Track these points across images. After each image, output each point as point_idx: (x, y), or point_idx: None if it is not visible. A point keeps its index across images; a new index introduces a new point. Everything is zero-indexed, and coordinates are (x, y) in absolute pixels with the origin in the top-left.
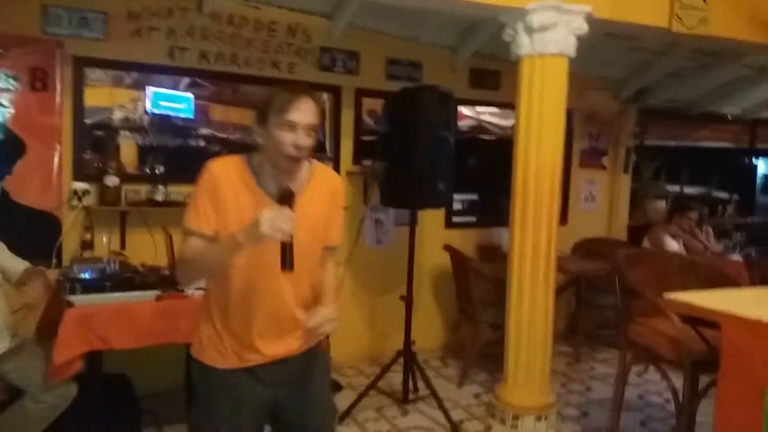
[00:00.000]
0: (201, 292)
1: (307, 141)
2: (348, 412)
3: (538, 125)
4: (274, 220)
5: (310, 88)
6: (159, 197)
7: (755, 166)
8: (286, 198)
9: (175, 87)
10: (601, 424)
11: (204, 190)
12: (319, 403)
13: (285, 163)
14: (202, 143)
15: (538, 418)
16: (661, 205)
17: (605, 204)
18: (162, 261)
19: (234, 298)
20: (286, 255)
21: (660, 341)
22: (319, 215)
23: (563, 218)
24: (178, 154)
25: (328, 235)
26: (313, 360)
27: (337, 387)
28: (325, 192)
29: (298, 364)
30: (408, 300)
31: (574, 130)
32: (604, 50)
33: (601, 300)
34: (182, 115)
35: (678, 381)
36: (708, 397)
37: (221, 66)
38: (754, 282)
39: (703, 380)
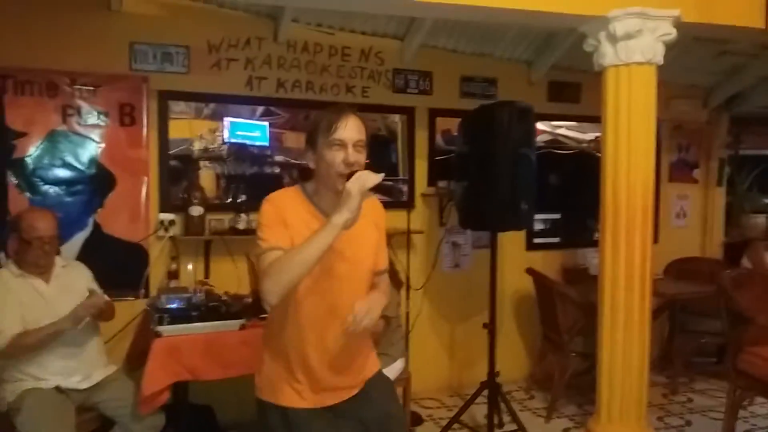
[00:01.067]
0: None
1: (357, 157)
2: None
3: (627, 138)
4: (360, 178)
5: (354, 106)
6: (241, 225)
7: None
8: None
9: (250, 116)
10: None
11: (271, 214)
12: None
13: (339, 181)
14: (277, 170)
15: None
16: (761, 219)
17: (698, 220)
18: (245, 289)
19: (304, 328)
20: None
21: None
22: (370, 241)
23: (654, 237)
24: (254, 182)
25: (377, 260)
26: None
27: (417, 420)
28: (371, 218)
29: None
30: (491, 328)
31: (662, 142)
32: (690, 56)
33: (697, 325)
34: (258, 143)
35: None
36: None
37: (298, 93)
38: None
39: None
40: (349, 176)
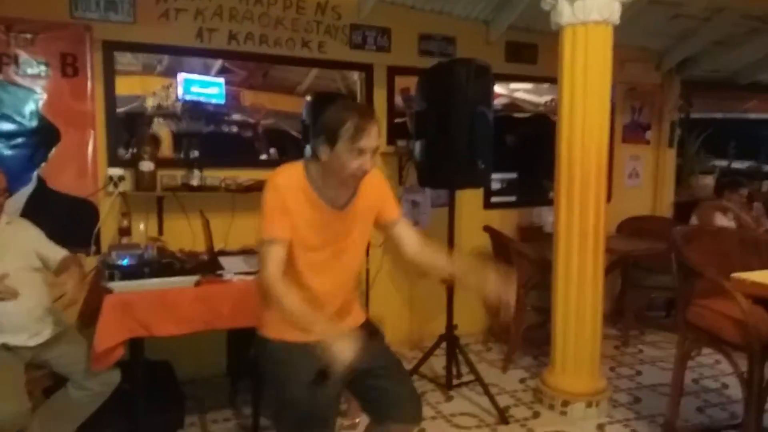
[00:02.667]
0: (240, 278)
1: (372, 164)
2: None
3: (583, 98)
4: (345, 349)
5: (374, 110)
6: (194, 182)
7: None
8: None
9: (206, 73)
10: (656, 410)
11: (274, 202)
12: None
13: (350, 181)
14: (234, 129)
15: (589, 405)
16: (709, 180)
17: (650, 180)
18: (200, 246)
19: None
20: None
21: (724, 324)
22: (370, 205)
23: (607, 196)
24: (211, 140)
25: (389, 212)
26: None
27: None
28: (370, 186)
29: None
30: (449, 283)
31: (616, 104)
32: (645, 19)
33: (648, 280)
34: (214, 101)
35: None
36: None
37: (251, 47)
38: None
39: None
40: (360, 179)
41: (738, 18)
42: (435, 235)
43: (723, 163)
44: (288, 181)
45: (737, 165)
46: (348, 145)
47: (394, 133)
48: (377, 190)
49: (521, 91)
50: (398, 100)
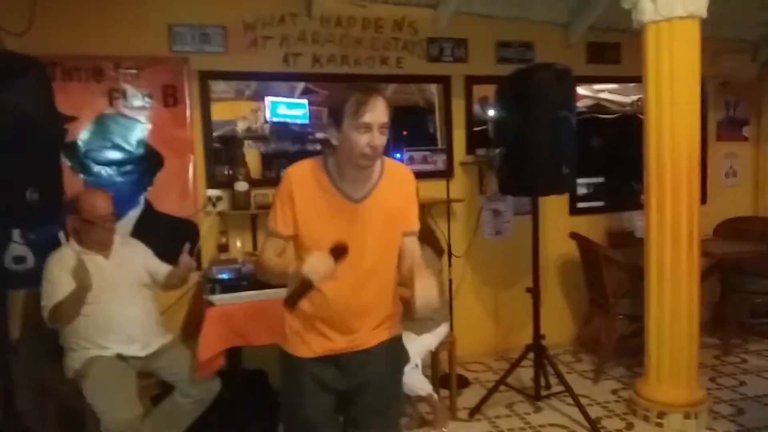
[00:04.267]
0: None
1: (381, 140)
2: (478, 408)
3: (670, 97)
4: (314, 263)
5: (379, 87)
6: None
7: None
8: (338, 251)
9: (290, 95)
10: (762, 422)
11: (283, 196)
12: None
13: (362, 161)
14: (317, 147)
15: (687, 416)
16: None
17: (749, 179)
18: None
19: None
20: (297, 294)
21: None
22: (392, 206)
23: (702, 197)
24: (297, 159)
25: (406, 222)
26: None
27: (464, 382)
28: (395, 184)
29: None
30: (535, 292)
31: (708, 99)
32: (736, 8)
33: (751, 285)
34: (299, 122)
35: None
36: None
37: (333, 68)
38: None
39: None
40: (372, 158)
41: None
42: (519, 243)
43: None
44: (299, 170)
45: None
46: (352, 121)
47: (474, 142)
48: (403, 189)
49: (606, 91)
50: (477, 109)
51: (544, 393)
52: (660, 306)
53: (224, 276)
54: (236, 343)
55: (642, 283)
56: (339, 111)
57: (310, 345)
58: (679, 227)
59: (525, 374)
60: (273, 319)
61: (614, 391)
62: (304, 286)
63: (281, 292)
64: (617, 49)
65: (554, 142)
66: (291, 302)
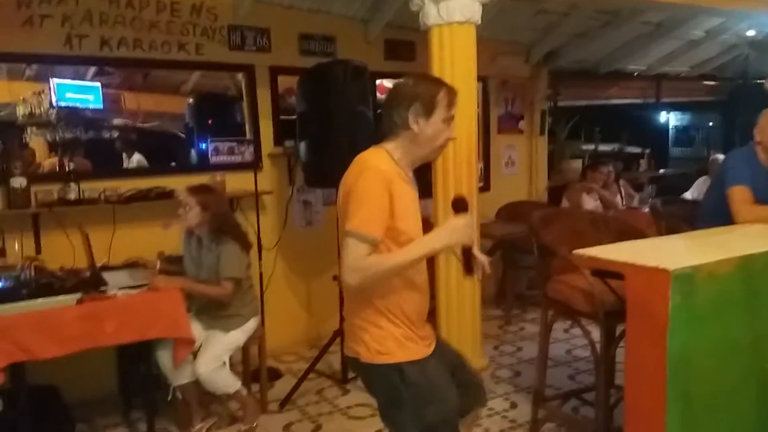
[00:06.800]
0: (125, 292)
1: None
2: (288, 398)
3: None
4: (456, 227)
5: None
6: (72, 196)
7: (666, 120)
8: (459, 205)
9: (81, 77)
10: (534, 381)
11: (381, 194)
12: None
13: (438, 153)
14: (115, 134)
15: None
16: (577, 164)
17: (525, 167)
18: (81, 263)
19: (415, 290)
20: (467, 260)
21: (576, 296)
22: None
23: (486, 185)
24: (90, 149)
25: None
26: None
27: (275, 374)
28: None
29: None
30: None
31: (490, 96)
32: (511, 15)
33: (526, 261)
34: (91, 107)
35: (596, 332)
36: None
37: (124, 52)
38: (660, 232)
39: (619, 329)
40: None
41: (592, 12)
42: (329, 233)
43: (590, 147)
44: (385, 166)
45: (604, 148)
46: (444, 113)
47: (284, 133)
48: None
49: None
50: (288, 99)
51: (351, 375)
52: (447, 285)
53: (0, 284)
54: (17, 358)
55: (433, 265)
56: (432, 100)
57: (426, 341)
58: None
59: (336, 359)
60: (61, 329)
61: None
62: (466, 252)
63: (69, 300)
64: (412, 47)
65: (353, 136)
66: (471, 269)
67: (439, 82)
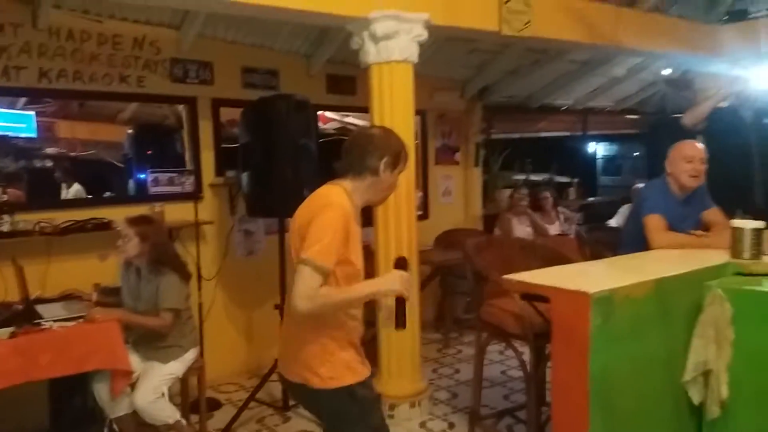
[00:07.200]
0: (60, 324)
1: None
2: (228, 428)
3: (390, 127)
4: (396, 280)
5: None
6: (5, 228)
7: (594, 151)
8: (401, 264)
9: (12, 105)
10: (470, 402)
11: (340, 228)
12: None
13: (382, 200)
14: (49, 164)
15: (412, 405)
16: (508, 193)
17: (461, 197)
18: (13, 296)
19: (356, 320)
20: (400, 312)
21: (507, 319)
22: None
23: (425, 213)
24: (25, 179)
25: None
26: None
27: (215, 405)
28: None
29: None
30: (282, 308)
31: (429, 129)
32: (447, 53)
33: (463, 286)
34: (23, 135)
35: (528, 353)
36: None
37: (64, 84)
38: (585, 257)
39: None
40: None
41: (522, 51)
42: (270, 262)
43: (522, 177)
44: (346, 203)
45: (535, 178)
46: (401, 167)
47: (225, 163)
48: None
49: (351, 116)
50: (230, 129)
51: (292, 403)
52: None
53: None
54: None
55: None
56: (399, 154)
57: (365, 362)
58: (401, 240)
59: (276, 388)
60: None
61: None
62: (400, 303)
63: (2, 333)
64: (353, 82)
65: (295, 167)
66: (403, 322)
67: (400, 139)
